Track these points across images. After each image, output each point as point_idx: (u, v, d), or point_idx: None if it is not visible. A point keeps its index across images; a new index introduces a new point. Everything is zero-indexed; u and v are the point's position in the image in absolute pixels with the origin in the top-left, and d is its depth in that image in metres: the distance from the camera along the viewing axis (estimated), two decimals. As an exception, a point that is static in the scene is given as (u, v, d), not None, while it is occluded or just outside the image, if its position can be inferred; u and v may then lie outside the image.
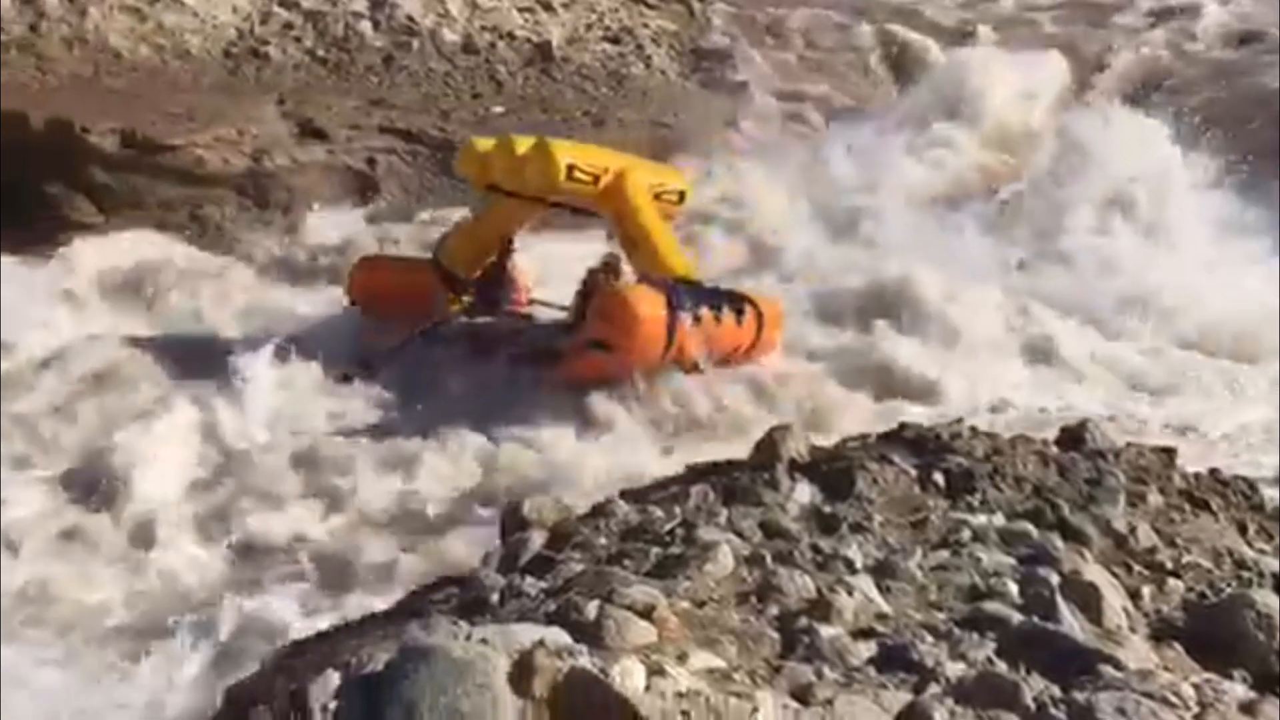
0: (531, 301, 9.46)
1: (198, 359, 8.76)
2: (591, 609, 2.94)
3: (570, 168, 8.66)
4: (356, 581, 6.60)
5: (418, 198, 11.98)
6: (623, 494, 4.55)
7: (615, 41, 15.25)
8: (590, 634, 2.79)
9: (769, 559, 3.54)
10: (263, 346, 8.57)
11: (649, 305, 8.23)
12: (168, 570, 6.77)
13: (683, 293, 8.41)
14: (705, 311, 8.45)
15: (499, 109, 13.44)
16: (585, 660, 2.44)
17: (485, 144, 9.19)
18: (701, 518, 4.00)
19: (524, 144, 8.83)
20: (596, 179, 8.80)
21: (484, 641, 2.52)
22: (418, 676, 2.33)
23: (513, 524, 4.52)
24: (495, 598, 3.44)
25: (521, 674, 2.36)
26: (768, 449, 4.54)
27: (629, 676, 2.38)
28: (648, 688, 2.40)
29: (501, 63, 14.38)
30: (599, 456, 7.69)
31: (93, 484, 7.41)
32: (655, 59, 15.24)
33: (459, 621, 3.05)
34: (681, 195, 9.47)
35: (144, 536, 7.04)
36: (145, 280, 10.21)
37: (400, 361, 8.80)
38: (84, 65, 12.79)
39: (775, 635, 3.05)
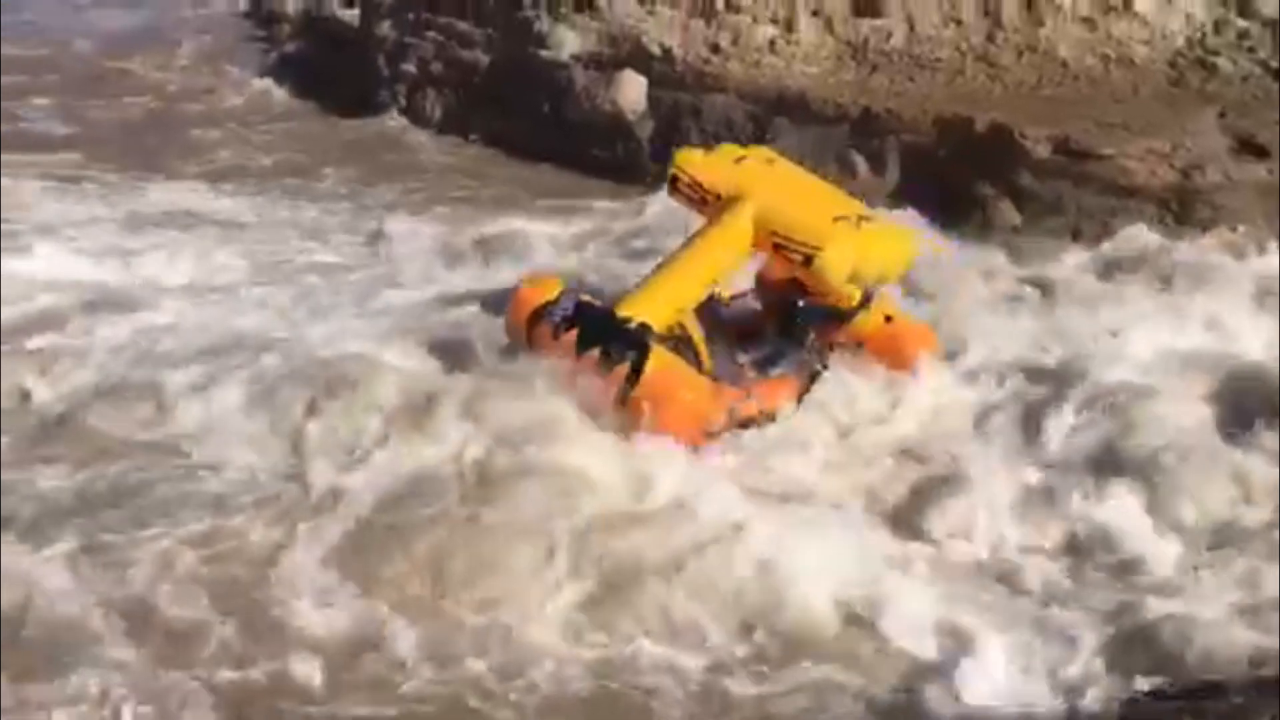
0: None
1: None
2: None
3: (674, 178, 7.89)
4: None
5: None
6: None
7: None
8: None
9: None
10: None
11: (525, 304, 7.58)
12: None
13: (568, 309, 7.39)
14: (567, 337, 7.27)
15: None
16: None
17: None
18: None
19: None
20: (704, 200, 7.78)
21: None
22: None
23: None
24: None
25: None
26: None
27: None
28: None
29: None
30: None
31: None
32: None
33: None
34: (808, 259, 7.36)
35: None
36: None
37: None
38: (1029, 73, 13.49)
39: None
